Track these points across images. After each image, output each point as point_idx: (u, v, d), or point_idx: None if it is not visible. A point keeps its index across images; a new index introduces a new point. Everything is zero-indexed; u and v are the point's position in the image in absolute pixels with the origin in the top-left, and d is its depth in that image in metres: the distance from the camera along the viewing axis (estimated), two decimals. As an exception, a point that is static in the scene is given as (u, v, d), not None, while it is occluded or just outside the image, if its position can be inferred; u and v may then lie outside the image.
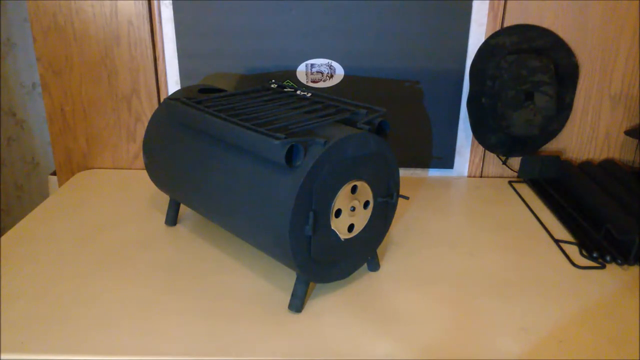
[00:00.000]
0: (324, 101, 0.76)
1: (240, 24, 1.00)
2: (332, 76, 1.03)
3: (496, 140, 1.04)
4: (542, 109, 0.96)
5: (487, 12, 0.99)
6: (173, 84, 1.05)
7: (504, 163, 1.09)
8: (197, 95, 0.81)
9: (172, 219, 0.86)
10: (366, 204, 0.67)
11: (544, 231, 0.87)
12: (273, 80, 1.02)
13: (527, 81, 0.95)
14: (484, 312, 0.66)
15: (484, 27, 1.00)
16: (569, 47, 1.01)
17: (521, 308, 0.67)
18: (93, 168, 1.11)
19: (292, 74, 1.03)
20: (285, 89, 0.85)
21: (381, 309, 0.66)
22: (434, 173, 1.10)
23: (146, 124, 1.07)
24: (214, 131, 0.67)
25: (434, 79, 1.03)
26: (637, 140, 1.07)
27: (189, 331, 0.62)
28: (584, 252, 0.80)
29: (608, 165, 1.04)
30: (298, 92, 0.82)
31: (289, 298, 0.68)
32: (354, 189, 0.65)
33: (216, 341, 0.60)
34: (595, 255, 0.78)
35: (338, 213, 0.64)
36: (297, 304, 0.65)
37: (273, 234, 0.62)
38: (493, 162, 1.09)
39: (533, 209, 0.95)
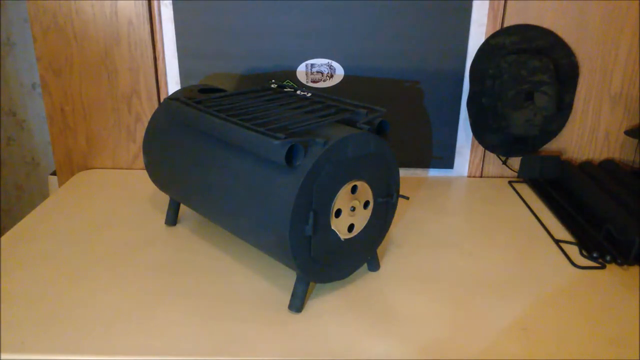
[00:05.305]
0: (324, 101, 0.76)
1: (240, 24, 1.00)
2: (332, 76, 1.03)
3: (496, 140, 1.04)
4: (542, 109, 0.96)
5: (487, 12, 0.99)
6: (173, 84, 1.05)
7: (504, 163, 1.09)
8: (197, 95, 0.81)
9: (172, 219, 0.86)
10: (366, 204, 0.67)
11: (544, 231, 0.87)
12: (273, 80, 1.02)
13: (527, 81, 0.95)
14: (484, 312, 0.66)
15: (484, 27, 1.00)
16: (569, 47, 1.01)
17: (521, 308, 0.67)
18: (93, 168, 1.11)
19: (292, 74, 1.03)
20: (285, 89, 0.85)
21: (381, 309, 0.66)
22: (434, 173, 1.10)
23: (146, 124, 1.07)
24: (214, 131, 0.67)
25: (434, 79, 1.03)
26: (637, 140, 1.07)
27: (189, 331, 0.62)
28: (584, 252, 0.80)
29: (608, 165, 1.04)
30: (298, 92, 0.82)
31: (289, 298, 0.68)
32: (354, 189, 0.65)
33: (216, 341, 0.60)
34: (595, 255, 0.78)
35: (338, 213, 0.64)
36: (297, 304, 0.65)
37: (273, 234, 0.62)
38: (493, 162, 1.09)
39: (533, 209, 0.95)
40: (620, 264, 0.77)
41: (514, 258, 0.79)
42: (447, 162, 1.09)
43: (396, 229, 0.87)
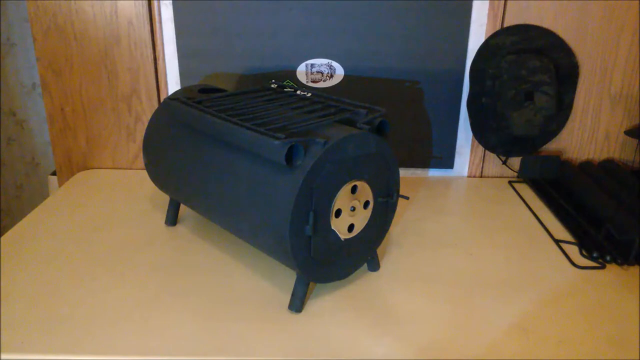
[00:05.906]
0: (324, 101, 0.76)
1: (240, 24, 1.00)
2: (332, 76, 1.03)
3: (496, 140, 1.04)
4: (542, 109, 0.96)
5: (487, 12, 0.99)
6: (173, 84, 1.05)
7: (504, 163, 1.09)
8: (197, 95, 0.81)
9: (172, 219, 0.86)
10: (366, 204, 0.67)
11: (544, 231, 0.87)
12: (273, 80, 1.02)
13: (527, 81, 0.95)
14: (484, 312, 0.66)
15: (484, 27, 1.00)
16: (569, 47, 1.01)
17: (521, 308, 0.67)
18: (93, 168, 1.11)
19: (292, 74, 1.03)
20: (285, 89, 0.85)
21: (381, 309, 0.66)
22: (434, 173, 1.10)
23: (146, 124, 1.07)
24: (214, 131, 0.67)
25: (434, 79, 1.03)
26: (637, 140, 1.07)
27: (189, 331, 0.62)
28: (584, 252, 0.80)
29: (608, 165, 1.04)
30: (298, 92, 0.82)
31: (289, 298, 0.68)
32: (354, 189, 0.65)
33: (216, 341, 0.60)
34: (595, 255, 0.78)
35: (338, 213, 0.64)
36: (297, 304, 0.65)
37: (273, 234, 0.62)
38: (493, 162, 1.09)
39: (533, 209, 0.95)
40: (620, 264, 0.77)
41: (514, 258, 0.79)
42: (447, 162, 1.09)
43: (396, 229, 0.87)
